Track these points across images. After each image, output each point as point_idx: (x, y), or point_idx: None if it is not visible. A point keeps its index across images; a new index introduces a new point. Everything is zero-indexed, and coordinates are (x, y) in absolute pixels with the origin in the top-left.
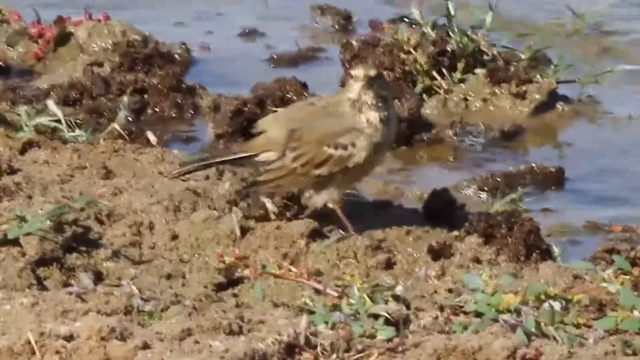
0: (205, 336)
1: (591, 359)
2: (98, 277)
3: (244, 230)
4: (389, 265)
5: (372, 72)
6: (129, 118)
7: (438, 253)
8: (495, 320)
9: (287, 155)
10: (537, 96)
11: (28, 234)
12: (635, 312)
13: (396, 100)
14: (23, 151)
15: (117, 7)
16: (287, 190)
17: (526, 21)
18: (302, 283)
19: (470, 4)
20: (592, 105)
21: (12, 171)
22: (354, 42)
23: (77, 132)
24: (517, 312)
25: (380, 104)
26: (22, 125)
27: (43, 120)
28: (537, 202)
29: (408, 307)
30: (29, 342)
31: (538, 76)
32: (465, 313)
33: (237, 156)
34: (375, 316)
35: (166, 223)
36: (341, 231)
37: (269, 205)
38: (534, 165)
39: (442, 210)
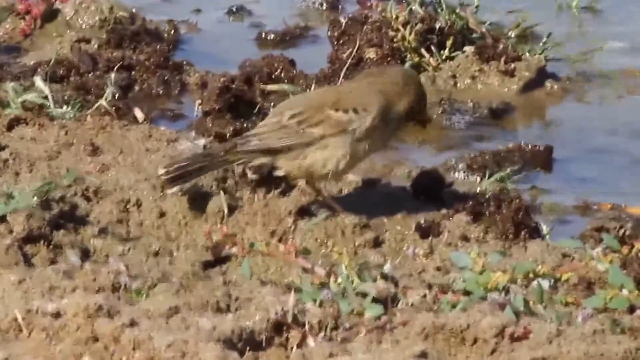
0: (192, 314)
1: (580, 337)
2: (85, 254)
3: (232, 208)
4: (376, 243)
5: None
6: (116, 95)
7: (426, 231)
8: (484, 299)
9: (284, 114)
10: (526, 74)
11: (15, 210)
12: (624, 291)
13: None
14: (10, 128)
15: None
16: (273, 147)
17: None
18: (290, 261)
19: None
20: (582, 83)
21: None
22: (342, 20)
23: (65, 108)
24: (506, 290)
25: None
26: (9, 102)
27: (30, 97)
28: (525, 181)
29: (396, 285)
30: (15, 320)
31: (527, 53)
32: (454, 291)
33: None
34: (363, 294)
35: (154, 200)
36: (329, 208)
37: (249, 173)
38: (522, 143)
39: (430, 189)
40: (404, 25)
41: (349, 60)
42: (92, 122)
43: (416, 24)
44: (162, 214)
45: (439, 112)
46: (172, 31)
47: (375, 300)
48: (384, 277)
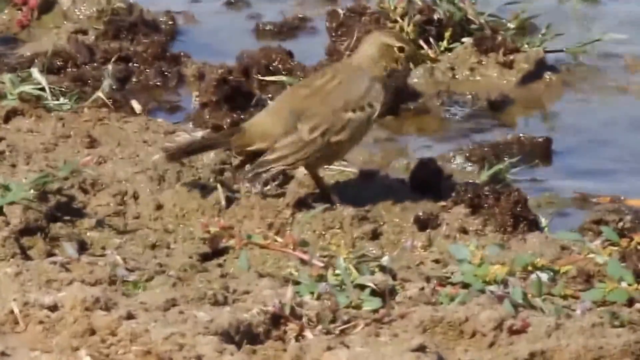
0: (189, 306)
1: (578, 330)
2: (82, 247)
3: (229, 200)
4: (375, 235)
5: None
6: (114, 86)
7: (424, 223)
8: (482, 292)
9: (299, 129)
10: (525, 65)
11: (12, 203)
12: (623, 284)
13: None
14: (7, 119)
15: None
16: (299, 165)
17: None
18: (288, 253)
19: None
20: (580, 75)
21: None
22: (340, 11)
23: (62, 100)
24: (504, 283)
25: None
26: (6, 94)
27: (27, 88)
28: (524, 173)
29: (394, 277)
30: (12, 312)
31: (525, 45)
32: (452, 284)
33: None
34: (361, 287)
35: (151, 193)
36: (327, 201)
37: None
38: (521, 135)
39: (428, 181)
40: (402, 16)
41: (347, 52)
42: (89, 114)
43: (414, 15)
44: (159, 207)
45: (438, 103)
46: (170, 22)
47: (373, 293)
48: (382, 269)
